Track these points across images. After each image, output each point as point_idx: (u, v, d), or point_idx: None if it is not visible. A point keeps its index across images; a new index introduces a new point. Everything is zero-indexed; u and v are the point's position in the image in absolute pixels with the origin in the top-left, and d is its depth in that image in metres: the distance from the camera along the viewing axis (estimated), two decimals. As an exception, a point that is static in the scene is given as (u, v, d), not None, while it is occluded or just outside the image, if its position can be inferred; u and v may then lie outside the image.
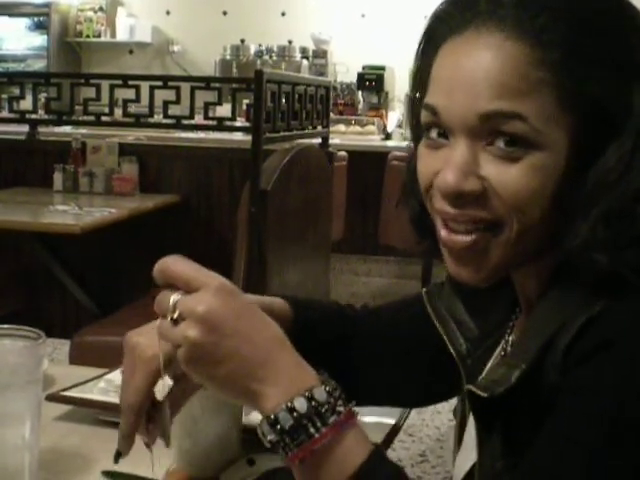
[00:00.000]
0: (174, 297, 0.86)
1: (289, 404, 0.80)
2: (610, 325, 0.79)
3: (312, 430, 0.80)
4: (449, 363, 1.08)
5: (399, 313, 1.24)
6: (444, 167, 0.87)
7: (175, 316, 0.84)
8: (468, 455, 0.96)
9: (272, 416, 0.80)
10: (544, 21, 0.83)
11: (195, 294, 0.84)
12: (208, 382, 0.85)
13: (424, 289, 1.14)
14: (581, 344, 0.79)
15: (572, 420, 0.78)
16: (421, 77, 0.94)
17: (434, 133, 0.89)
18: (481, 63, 0.84)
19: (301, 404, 0.80)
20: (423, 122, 0.91)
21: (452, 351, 1.06)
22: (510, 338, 1.00)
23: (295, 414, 0.80)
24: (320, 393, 0.81)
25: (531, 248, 0.88)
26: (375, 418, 1.28)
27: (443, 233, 0.90)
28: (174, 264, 0.89)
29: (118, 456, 0.95)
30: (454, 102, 0.86)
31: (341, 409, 0.82)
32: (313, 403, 0.81)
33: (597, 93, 0.83)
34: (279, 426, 0.80)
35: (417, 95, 0.95)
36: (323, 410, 0.81)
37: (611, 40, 0.84)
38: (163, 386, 0.94)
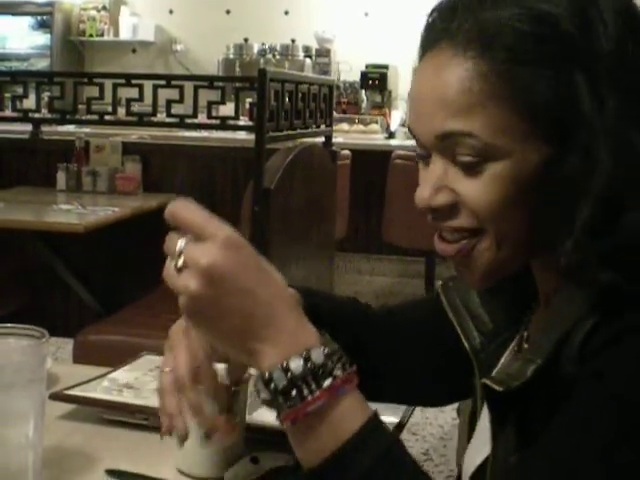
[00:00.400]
0: (181, 243, 0.85)
1: (285, 364, 0.80)
2: (626, 318, 0.79)
3: (305, 392, 0.80)
4: (462, 361, 1.07)
5: (414, 310, 1.24)
6: (421, 184, 0.91)
7: (179, 264, 0.84)
8: (480, 449, 0.95)
9: (267, 375, 0.80)
10: (489, 33, 0.84)
11: (201, 244, 0.83)
12: (208, 336, 0.86)
13: (440, 281, 1.14)
14: (597, 337, 0.80)
15: (588, 410, 0.78)
16: None
17: (420, 152, 0.92)
18: (432, 83, 0.88)
19: (297, 365, 0.80)
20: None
21: (465, 344, 1.06)
22: (525, 333, 1.00)
23: (289, 374, 0.80)
24: (317, 354, 0.81)
25: (521, 250, 0.90)
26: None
27: (435, 242, 0.93)
28: (185, 209, 0.89)
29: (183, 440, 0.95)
30: (419, 123, 0.90)
31: (338, 373, 0.81)
32: (309, 365, 0.80)
33: (546, 97, 0.82)
34: (273, 385, 0.80)
35: None
36: (319, 372, 0.80)
37: (552, 43, 0.83)
38: (220, 371, 0.96)
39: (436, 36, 0.88)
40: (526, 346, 0.99)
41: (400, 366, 1.18)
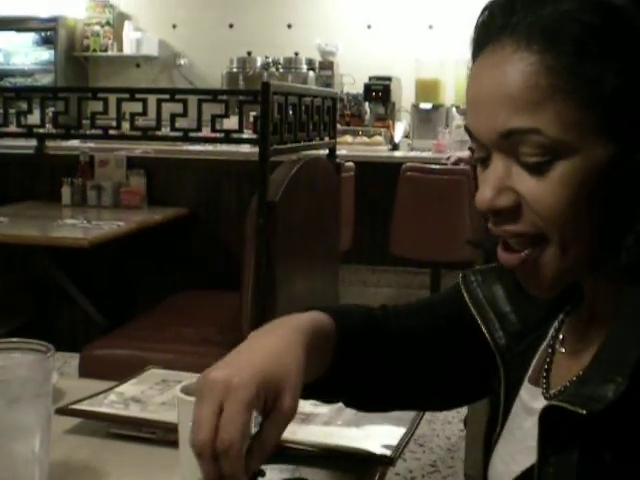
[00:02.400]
0: None
1: None
2: None
3: None
4: (482, 360, 1.06)
5: (433, 309, 1.20)
6: (481, 185, 0.88)
7: None
8: (515, 457, 0.94)
9: None
10: (553, 26, 0.82)
11: None
12: None
13: (461, 273, 1.11)
14: None
15: None
16: None
17: (478, 153, 0.90)
18: (495, 80, 0.84)
19: None
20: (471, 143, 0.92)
21: (490, 342, 1.04)
22: (561, 335, 0.98)
23: None
24: None
25: (586, 257, 0.86)
26: (385, 427, 1.27)
27: (499, 252, 0.90)
28: None
29: None
30: (480, 122, 0.87)
31: None
32: None
33: (614, 90, 0.80)
34: None
35: None
36: None
37: (617, 33, 0.81)
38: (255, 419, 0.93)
39: (495, 32, 0.86)
40: (563, 350, 0.96)
41: (418, 372, 1.15)
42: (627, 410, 0.78)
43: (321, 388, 1.05)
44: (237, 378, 0.90)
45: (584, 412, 0.78)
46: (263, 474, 0.97)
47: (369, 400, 1.15)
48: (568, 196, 0.82)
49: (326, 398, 1.13)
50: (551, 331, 1.00)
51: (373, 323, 1.13)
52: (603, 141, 0.82)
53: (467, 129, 0.89)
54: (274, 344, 0.97)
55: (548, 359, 0.97)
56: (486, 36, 0.87)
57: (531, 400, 0.96)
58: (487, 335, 1.04)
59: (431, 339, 1.16)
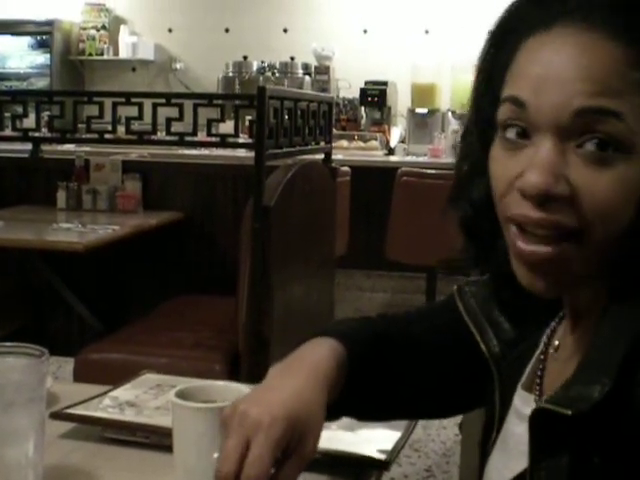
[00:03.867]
0: None
1: None
2: None
3: None
4: (478, 368, 1.06)
5: (430, 320, 1.21)
6: (529, 167, 0.82)
7: None
8: (507, 464, 0.94)
9: None
10: (637, 20, 0.81)
11: None
12: None
13: (455, 286, 1.10)
14: None
15: None
16: (494, 72, 0.90)
17: (512, 133, 0.85)
18: (576, 61, 0.81)
19: None
20: (502, 118, 0.87)
21: (484, 351, 1.04)
22: (556, 342, 0.97)
23: None
24: None
25: (612, 260, 0.84)
26: (381, 431, 1.27)
27: (520, 243, 0.85)
28: None
29: None
30: (546, 98, 0.82)
31: None
32: None
33: None
34: None
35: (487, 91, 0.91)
36: None
37: None
38: None
39: (566, 15, 0.83)
40: (555, 355, 0.96)
41: (419, 381, 1.16)
42: (613, 412, 0.78)
43: (332, 410, 1.06)
44: (268, 417, 0.91)
45: (569, 413, 0.78)
46: None
47: (373, 412, 1.17)
48: (626, 195, 0.80)
49: (335, 418, 1.14)
50: (544, 338, 1.00)
51: (377, 339, 1.14)
52: None
53: (518, 101, 0.84)
54: (300, 384, 0.98)
55: (541, 365, 0.98)
56: (552, 14, 0.84)
57: (523, 406, 0.96)
58: (481, 344, 1.05)
59: (431, 347, 1.17)
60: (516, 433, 0.93)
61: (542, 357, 0.98)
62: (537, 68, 0.83)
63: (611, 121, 0.79)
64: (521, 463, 0.86)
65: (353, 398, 1.08)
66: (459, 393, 1.19)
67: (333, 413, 1.08)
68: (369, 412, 1.16)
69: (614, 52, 0.80)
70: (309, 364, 1.01)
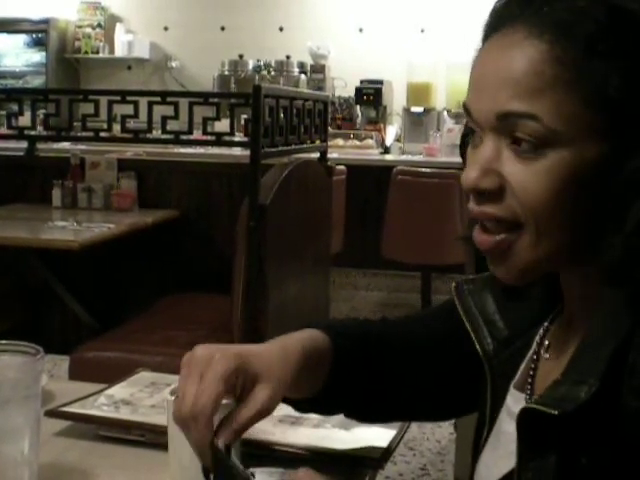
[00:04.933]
0: None
1: None
2: None
3: None
4: (473, 369, 1.06)
5: (429, 321, 1.22)
6: (468, 166, 0.88)
7: None
8: (497, 462, 0.95)
9: None
10: (567, 19, 0.82)
11: None
12: None
13: (454, 282, 1.11)
14: None
15: None
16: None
17: (475, 136, 0.90)
18: (501, 63, 0.85)
19: None
20: (466, 124, 0.92)
21: (478, 349, 1.04)
22: (546, 342, 0.98)
23: None
24: None
25: (562, 251, 0.87)
26: (375, 430, 1.27)
27: (475, 233, 0.90)
28: None
29: (208, 473, 0.96)
30: (480, 101, 0.87)
31: None
32: None
33: (617, 90, 0.81)
34: None
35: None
36: None
37: (631, 38, 0.82)
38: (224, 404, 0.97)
39: (508, 18, 0.87)
40: (547, 356, 0.97)
41: (415, 383, 1.17)
42: (600, 412, 0.79)
43: (319, 402, 1.09)
44: (218, 353, 0.97)
45: (556, 412, 0.79)
46: (253, 477, 0.97)
47: (368, 412, 1.18)
48: (551, 187, 0.83)
49: (325, 412, 1.16)
50: (537, 338, 1.00)
51: (368, 337, 1.15)
52: (597, 139, 0.82)
53: (465, 107, 0.90)
54: (267, 346, 1.03)
55: (533, 365, 0.98)
56: (500, 20, 0.88)
57: (514, 405, 0.96)
58: (475, 342, 1.05)
59: (426, 349, 1.18)
60: (507, 432, 0.93)
61: (535, 357, 0.99)
62: (476, 71, 0.89)
63: (527, 123, 0.83)
64: (510, 462, 0.86)
65: (341, 391, 1.10)
66: (455, 395, 1.19)
67: (323, 404, 1.11)
68: (361, 411, 1.17)
69: (536, 50, 0.83)
70: (283, 340, 1.06)
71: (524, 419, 0.83)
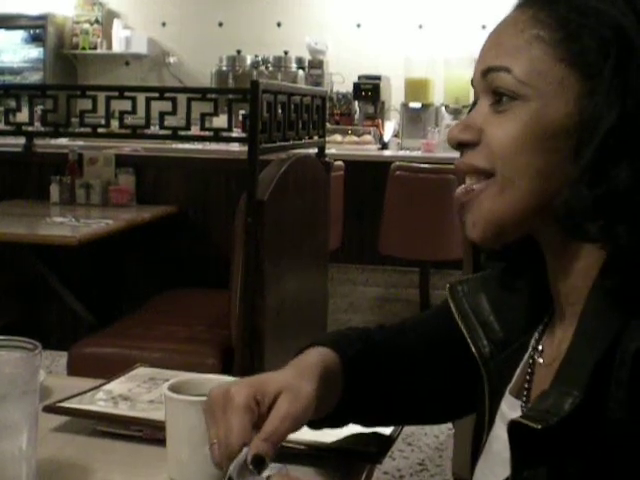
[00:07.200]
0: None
1: None
2: None
3: None
4: (471, 372, 1.06)
5: (424, 325, 1.22)
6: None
7: None
8: (493, 470, 0.95)
9: None
10: None
11: None
12: None
13: (448, 284, 1.12)
14: None
15: None
16: None
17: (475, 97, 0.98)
18: (496, 30, 0.94)
19: None
20: None
21: (474, 351, 1.04)
22: (540, 346, 0.98)
23: None
24: None
25: (526, 203, 0.90)
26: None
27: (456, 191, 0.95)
28: None
29: None
30: (476, 67, 0.96)
31: None
32: None
33: (589, 53, 0.86)
34: None
35: None
36: None
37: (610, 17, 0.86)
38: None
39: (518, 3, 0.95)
40: (541, 361, 0.97)
41: (410, 388, 1.17)
42: (585, 423, 0.79)
43: (333, 418, 1.09)
44: (233, 387, 0.96)
45: (539, 427, 0.79)
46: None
47: (378, 420, 1.19)
48: (516, 135, 0.88)
49: (338, 426, 1.16)
50: (532, 342, 1.00)
51: (373, 348, 1.15)
52: (565, 98, 0.87)
53: (471, 80, 0.97)
54: (280, 371, 1.03)
55: (529, 370, 0.98)
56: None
57: (510, 412, 0.96)
58: (471, 344, 1.05)
59: (423, 354, 1.18)
60: (501, 438, 0.93)
61: (530, 362, 0.99)
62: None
63: (501, 75, 0.90)
64: (505, 470, 0.86)
65: (354, 403, 1.10)
66: (452, 399, 1.19)
67: (337, 420, 1.11)
68: (372, 419, 1.18)
69: (523, 15, 0.91)
70: (297, 364, 1.04)
71: (513, 432, 0.83)
